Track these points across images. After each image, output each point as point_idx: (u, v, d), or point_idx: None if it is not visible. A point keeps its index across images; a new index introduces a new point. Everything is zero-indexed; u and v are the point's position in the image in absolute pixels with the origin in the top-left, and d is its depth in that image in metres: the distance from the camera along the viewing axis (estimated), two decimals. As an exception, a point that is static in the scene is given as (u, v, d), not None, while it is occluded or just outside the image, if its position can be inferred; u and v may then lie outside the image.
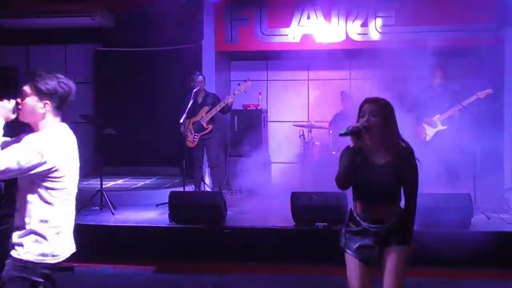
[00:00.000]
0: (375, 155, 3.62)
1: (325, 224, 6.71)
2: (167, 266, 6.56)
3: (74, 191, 3.30)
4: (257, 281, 6.16)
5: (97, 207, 7.90)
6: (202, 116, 8.47)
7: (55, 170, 3.12)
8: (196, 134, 8.50)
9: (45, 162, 3.05)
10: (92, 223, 7.23)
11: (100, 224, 7.23)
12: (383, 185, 3.59)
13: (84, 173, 10.90)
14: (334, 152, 8.83)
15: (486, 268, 6.06)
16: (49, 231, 3.15)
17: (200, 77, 8.59)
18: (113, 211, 7.70)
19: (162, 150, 10.57)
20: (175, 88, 9.50)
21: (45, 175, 3.10)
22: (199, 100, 8.53)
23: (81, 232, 7.25)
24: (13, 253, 3.13)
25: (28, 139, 3.12)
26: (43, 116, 3.19)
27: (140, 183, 10.44)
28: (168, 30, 9.72)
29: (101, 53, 11.36)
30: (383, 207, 3.60)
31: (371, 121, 3.54)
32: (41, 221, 3.13)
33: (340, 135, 3.60)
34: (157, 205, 8.06)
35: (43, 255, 3.13)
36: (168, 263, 6.60)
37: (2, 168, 2.94)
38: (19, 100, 3.18)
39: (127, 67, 11.04)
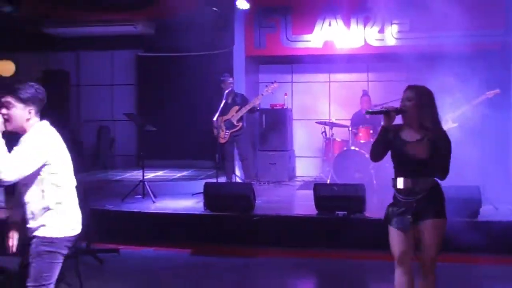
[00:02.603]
0: (408, 134, 3.69)
1: (345, 212, 6.67)
2: (201, 250, 6.59)
3: (71, 170, 3.47)
4: (283, 264, 6.15)
5: (139, 196, 7.96)
6: (233, 115, 8.49)
7: (55, 158, 3.30)
8: (227, 131, 8.52)
9: (47, 157, 3.25)
10: (135, 210, 7.29)
11: (142, 211, 7.28)
12: (414, 161, 3.63)
13: (128, 166, 11.09)
14: (353, 147, 8.79)
15: (493, 254, 5.96)
16: (64, 209, 3.35)
17: (230, 79, 8.61)
18: (153, 200, 7.75)
19: (197, 145, 10.62)
20: (208, 90, 9.53)
21: (50, 165, 3.28)
22: (229, 100, 8.54)
23: (125, 218, 7.43)
24: (38, 233, 3.31)
25: (27, 144, 3.25)
26: (28, 120, 3.31)
27: (178, 174, 10.53)
28: (202, 36, 9.77)
29: (143, 58, 11.46)
30: (415, 180, 3.64)
31: (405, 105, 3.65)
32: (57, 203, 3.32)
33: (366, 113, 3.88)
34: (193, 195, 8.11)
35: (64, 230, 3.34)
36: (202, 247, 6.63)
37: (17, 177, 3.15)
38: (4, 111, 3.25)
39: (166, 70, 11.12)
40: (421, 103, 3.66)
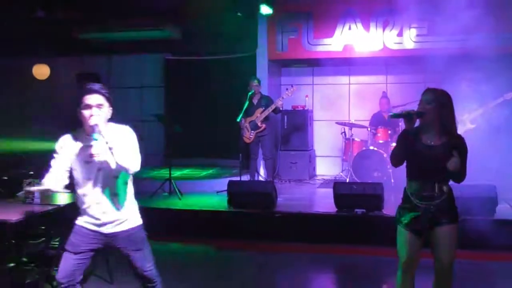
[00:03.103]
0: (429, 138, 3.56)
1: (364, 210, 6.64)
2: (226, 245, 6.61)
3: None
4: (304, 259, 6.14)
5: (166, 193, 8.02)
6: (257, 116, 8.49)
7: None
8: (252, 131, 8.53)
9: None
10: (162, 206, 7.36)
11: (169, 207, 7.35)
12: (433, 165, 3.50)
13: (155, 164, 11.14)
14: (371, 147, 8.73)
15: (509, 251, 5.88)
16: (135, 200, 3.55)
17: (255, 81, 8.61)
18: (179, 197, 7.81)
19: (221, 145, 10.66)
20: (233, 91, 9.55)
21: None
22: (255, 101, 8.55)
23: (153, 214, 7.47)
24: (132, 223, 3.50)
25: (129, 136, 3.41)
26: (107, 119, 3.39)
27: (203, 173, 10.57)
28: (227, 40, 9.80)
29: (171, 61, 11.53)
30: (432, 185, 3.52)
31: (425, 108, 3.52)
32: (132, 194, 3.52)
33: (391, 116, 3.70)
34: (217, 192, 8.13)
35: (140, 217, 3.57)
36: (226, 242, 6.65)
37: (139, 168, 3.36)
38: (97, 111, 3.32)
39: (193, 73, 11.18)
40: (442, 106, 3.52)
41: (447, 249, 3.53)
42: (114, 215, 3.42)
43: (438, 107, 3.51)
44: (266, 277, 5.62)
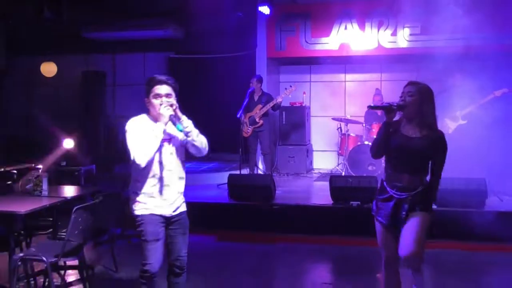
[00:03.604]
0: (409, 130, 3.47)
1: (359, 202, 6.65)
2: (226, 236, 6.62)
3: None
4: (300, 249, 6.16)
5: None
6: (256, 112, 8.49)
7: None
8: (250, 126, 8.53)
9: None
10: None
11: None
12: (411, 157, 3.41)
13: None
14: (366, 142, 8.73)
15: (498, 242, 5.90)
16: None
17: (255, 79, 8.61)
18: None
19: (222, 139, 10.62)
20: (233, 88, 9.53)
21: None
22: (255, 98, 8.55)
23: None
24: (183, 207, 3.59)
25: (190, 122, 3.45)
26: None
27: (204, 166, 10.56)
28: (228, 39, 9.77)
29: (174, 60, 11.49)
30: (409, 176, 3.42)
31: (406, 100, 3.44)
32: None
33: (369, 107, 3.65)
34: (218, 185, 8.15)
35: None
36: (227, 233, 6.67)
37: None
38: (167, 100, 3.40)
39: (194, 71, 11.15)
40: (422, 99, 3.42)
41: (408, 231, 3.31)
42: (178, 199, 3.48)
43: (419, 100, 3.42)
44: (265, 267, 5.63)
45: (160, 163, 3.37)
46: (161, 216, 3.42)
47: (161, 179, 3.38)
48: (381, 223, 3.51)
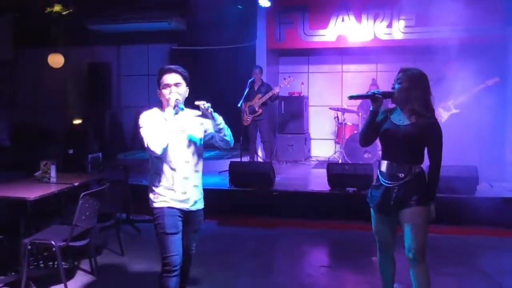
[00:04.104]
0: (398, 118, 3.28)
1: (355, 189, 6.65)
2: (227, 221, 6.63)
3: None
4: (299, 234, 6.17)
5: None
6: (256, 101, 8.47)
7: None
8: (250, 115, 8.51)
9: None
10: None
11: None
12: (399, 144, 3.23)
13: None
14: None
15: (489, 227, 5.91)
16: None
17: (256, 70, 8.58)
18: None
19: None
20: (234, 79, 9.50)
21: None
22: (255, 88, 8.53)
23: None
24: (201, 204, 3.45)
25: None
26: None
27: (206, 154, 10.55)
28: (228, 31, 9.71)
29: (176, 51, 11.43)
30: (399, 165, 3.23)
31: (394, 87, 3.27)
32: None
33: (349, 97, 3.36)
34: (219, 172, 8.15)
35: None
36: (227, 218, 6.67)
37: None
38: (175, 89, 3.29)
39: (196, 62, 11.10)
40: (410, 86, 3.19)
41: (409, 233, 3.18)
42: (196, 193, 3.34)
43: (407, 86, 3.20)
44: (264, 250, 5.65)
45: (177, 155, 3.25)
46: (180, 209, 3.27)
47: (177, 172, 3.25)
48: (373, 209, 3.44)
